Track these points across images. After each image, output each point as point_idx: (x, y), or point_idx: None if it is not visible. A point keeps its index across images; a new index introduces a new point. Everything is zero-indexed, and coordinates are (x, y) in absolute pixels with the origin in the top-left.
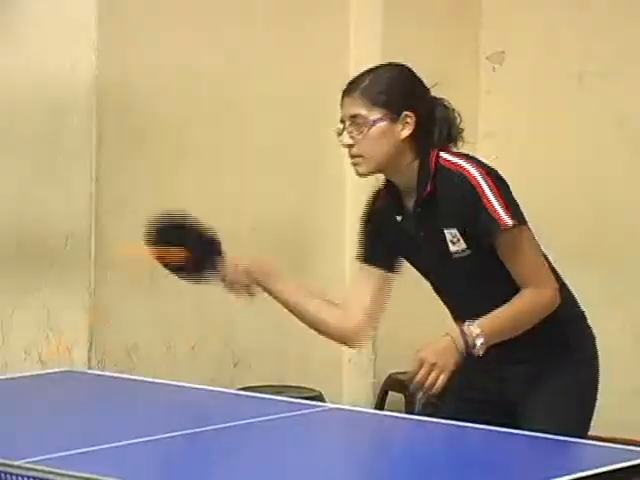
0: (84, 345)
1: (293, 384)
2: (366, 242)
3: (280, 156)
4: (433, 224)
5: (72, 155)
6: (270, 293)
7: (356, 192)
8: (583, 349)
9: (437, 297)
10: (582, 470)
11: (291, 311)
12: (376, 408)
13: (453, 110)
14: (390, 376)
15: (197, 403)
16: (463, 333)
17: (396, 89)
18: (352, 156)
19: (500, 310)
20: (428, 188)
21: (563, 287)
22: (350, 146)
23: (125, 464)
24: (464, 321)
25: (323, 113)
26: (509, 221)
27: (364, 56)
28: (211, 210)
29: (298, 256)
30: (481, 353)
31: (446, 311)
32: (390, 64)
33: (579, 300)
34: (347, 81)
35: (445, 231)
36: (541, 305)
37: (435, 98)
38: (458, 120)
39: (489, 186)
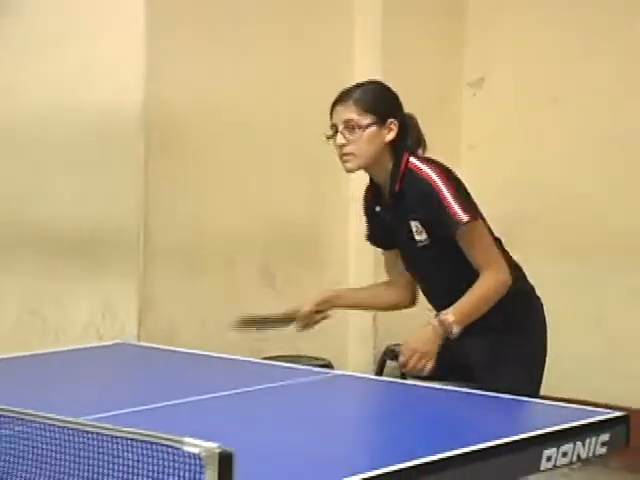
0: (134, 322)
1: (307, 354)
2: (367, 228)
3: (292, 165)
4: (402, 216)
5: (124, 166)
6: (343, 308)
7: (359, 194)
8: (534, 318)
9: None
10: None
11: (362, 309)
12: (376, 374)
13: (418, 123)
14: (388, 347)
15: (227, 370)
16: (441, 322)
17: (383, 100)
18: (343, 154)
19: (465, 298)
20: (397, 186)
21: (515, 266)
22: (343, 146)
23: (170, 421)
24: (435, 305)
25: (328, 127)
26: (464, 217)
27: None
28: (235, 211)
29: (309, 250)
30: (457, 333)
31: None
32: (374, 81)
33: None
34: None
35: (411, 223)
36: (497, 287)
37: (407, 112)
38: (422, 131)
39: (446, 186)
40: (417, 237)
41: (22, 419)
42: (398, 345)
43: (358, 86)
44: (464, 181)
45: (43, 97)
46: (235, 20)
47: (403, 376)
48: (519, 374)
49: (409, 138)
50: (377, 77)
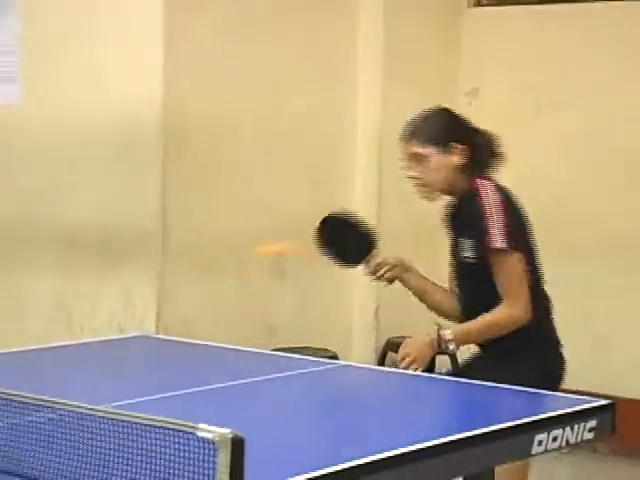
0: (152, 316)
1: (314, 346)
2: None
3: (299, 169)
4: (456, 233)
5: (143, 171)
6: (406, 284)
7: (364, 194)
8: (557, 367)
9: None
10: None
11: (418, 297)
12: (378, 365)
13: (492, 138)
14: (389, 340)
15: (239, 361)
16: (439, 337)
17: (441, 128)
18: (417, 185)
19: (473, 321)
20: (454, 206)
21: (546, 313)
22: (414, 178)
23: (186, 408)
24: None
25: (335, 132)
26: (498, 244)
27: (369, 93)
28: (246, 212)
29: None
30: (455, 351)
31: None
32: (433, 110)
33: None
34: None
35: (462, 240)
36: (506, 321)
37: (477, 129)
38: (497, 145)
39: (497, 211)
40: (464, 254)
41: (49, 407)
42: (398, 338)
43: (416, 120)
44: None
45: (71, 104)
46: (248, 30)
47: None
48: None
49: (481, 157)
50: (378, 89)
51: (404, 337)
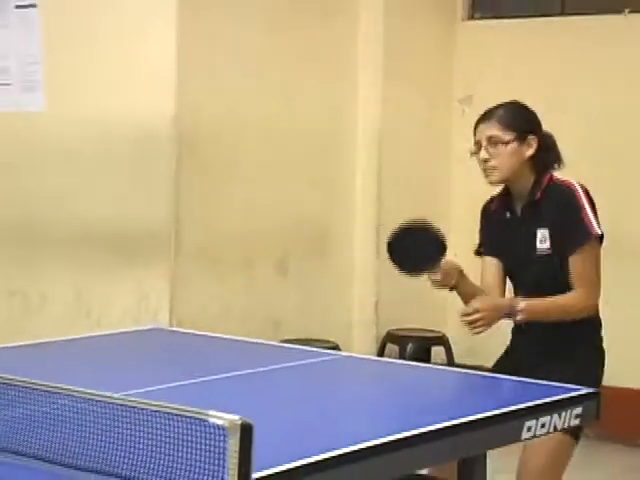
0: (166, 310)
1: (317, 337)
2: (483, 238)
3: (305, 174)
4: (531, 224)
5: (158, 174)
6: (460, 289)
7: (364, 202)
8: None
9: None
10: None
11: (464, 300)
12: (378, 355)
13: (554, 140)
14: (388, 332)
15: (247, 352)
16: (512, 303)
17: (524, 118)
18: (487, 168)
19: (545, 299)
20: (538, 195)
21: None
22: (486, 160)
23: (198, 396)
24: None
25: (336, 135)
26: (598, 230)
27: (368, 103)
28: (254, 213)
29: (318, 246)
30: (519, 321)
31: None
32: (514, 101)
33: None
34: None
35: (538, 231)
36: (576, 309)
37: (546, 131)
38: (558, 150)
39: (587, 200)
40: (539, 245)
41: (68, 395)
42: (397, 330)
43: (500, 106)
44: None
45: (90, 112)
46: (252, 41)
47: (401, 357)
48: None
49: (549, 154)
50: (378, 97)
51: (403, 329)
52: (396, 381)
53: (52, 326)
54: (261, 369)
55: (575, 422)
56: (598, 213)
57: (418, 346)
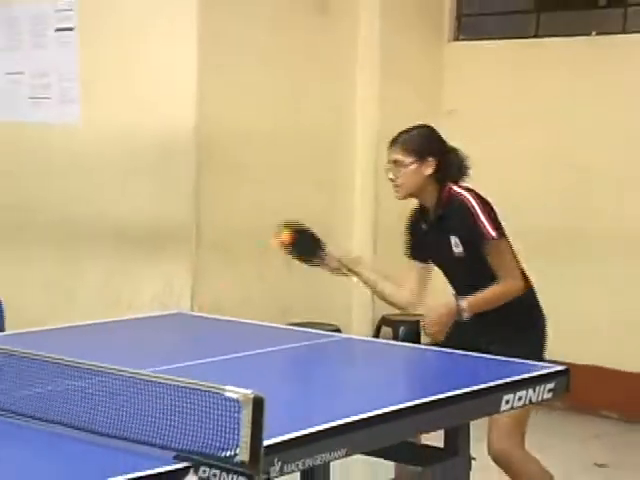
0: (188, 296)
1: (320, 321)
2: (408, 243)
3: (311, 176)
4: (444, 233)
5: (181, 176)
6: (356, 275)
7: (362, 201)
8: (538, 328)
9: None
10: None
11: (368, 286)
12: (373, 337)
13: (462, 156)
14: (383, 316)
15: (260, 334)
16: (457, 306)
17: (422, 143)
18: (394, 186)
19: (482, 293)
20: (441, 210)
21: (527, 281)
22: (392, 180)
23: (216, 373)
24: (458, 296)
25: (339, 147)
26: (493, 233)
27: (366, 112)
28: (265, 211)
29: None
30: (467, 319)
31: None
32: (419, 126)
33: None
34: (354, 127)
35: (451, 238)
36: (509, 291)
37: (451, 147)
38: (466, 162)
39: (480, 209)
40: (455, 249)
41: (100, 371)
42: (391, 315)
43: (405, 131)
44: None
45: (121, 122)
46: (262, 55)
47: (394, 338)
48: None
49: (450, 170)
50: (375, 105)
51: (396, 314)
52: (390, 360)
53: (87, 311)
54: (271, 349)
55: (548, 395)
56: (496, 210)
57: (409, 329)
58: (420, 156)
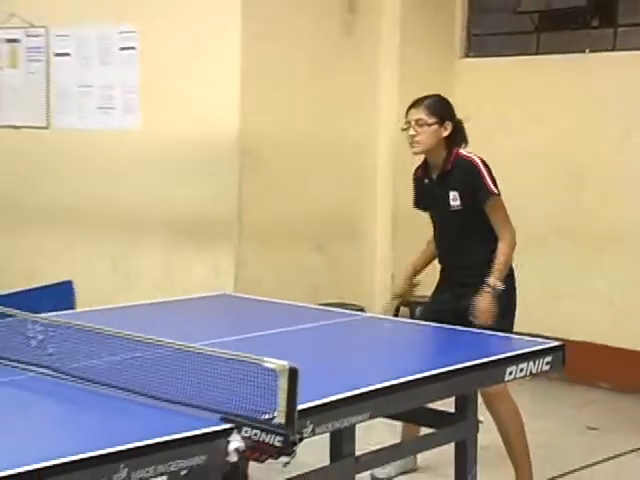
0: (232, 280)
1: (347, 302)
2: (414, 197)
3: (339, 174)
4: (444, 187)
5: (226, 176)
6: (420, 272)
7: (383, 194)
8: (512, 280)
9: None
10: (502, 352)
11: (429, 264)
12: (393, 316)
13: (464, 127)
14: (396, 296)
15: (294, 313)
16: (493, 287)
17: (444, 108)
18: (413, 142)
19: (497, 260)
20: (449, 166)
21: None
22: (413, 136)
23: (255, 346)
24: (441, 256)
25: (363, 149)
26: (495, 190)
27: (386, 119)
28: (299, 205)
29: (349, 230)
30: (500, 286)
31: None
32: (438, 95)
33: None
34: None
35: (450, 192)
36: (512, 245)
37: (459, 118)
38: (465, 132)
39: (484, 169)
40: (452, 203)
41: (157, 344)
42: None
43: (427, 97)
44: None
45: (174, 128)
46: (298, 72)
47: (411, 317)
48: (504, 319)
49: (459, 136)
50: (394, 112)
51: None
52: (407, 336)
53: (146, 292)
54: (303, 326)
55: (546, 368)
56: (495, 178)
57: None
58: (441, 119)
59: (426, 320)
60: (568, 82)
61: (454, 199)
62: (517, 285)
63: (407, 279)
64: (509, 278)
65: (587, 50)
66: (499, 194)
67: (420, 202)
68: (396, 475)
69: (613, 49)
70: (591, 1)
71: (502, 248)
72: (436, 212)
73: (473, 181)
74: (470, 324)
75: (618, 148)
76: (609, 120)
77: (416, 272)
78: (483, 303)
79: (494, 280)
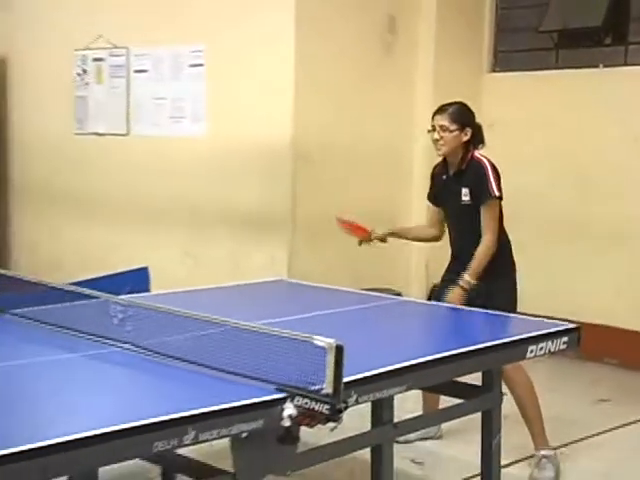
0: (285, 267)
1: (386, 287)
2: (429, 191)
3: (379, 174)
4: (458, 184)
5: (281, 177)
6: (394, 236)
7: (418, 191)
8: (513, 273)
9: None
10: (524, 333)
11: (405, 238)
12: (427, 300)
13: (482, 130)
14: (434, 284)
15: (339, 296)
16: (465, 282)
17: (464, 115)
18: (438, 145)
19: (474, 261)
20: (464, 165)
21: (507, 241)
22: (437, 140)
23: (306, 325)
24: (453, 242)
25: (400, 153)
26: (495, 193)
27: (421, 127)
28: (344, 201)
29: (388, 221)
30: (472, 285)
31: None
32: (460, 102)
33: None
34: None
35: (462, 189)
36: (490, 249)
37: (478, 123)
38: (483, 136)
39: (492, 173)
40: (464, 198)
41: (223, 323)
42: (440, 283)
43: (450, 104)
44: None
45: (235, 134)
46: (342, 86)
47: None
48: (509, 303)
49: (476, 139)
50: (428, 120)
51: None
52: (439, 318)
53: (212, 278)
54: (348, 308)
55: (563, 347)
56: (501, 182)
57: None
58: (462, 125)
59: (437, 299)
60: (583, 93)
61: (465, 195)
62: (530, 279)
63: (388, 232)
64: (512, 275)
65: (601, 65)
66: (499, 197)
67: (435, 196)
68: (415, 440)
69: (624, 64)
70: (605, 22)
71: (480, 249)
72: (449, 206)
73: (479, 180)
74: (475, 305)
75: (626, 152)
76: (618, 127)
77: (395, 234)
78: (452, 297)
79: (466, 276)
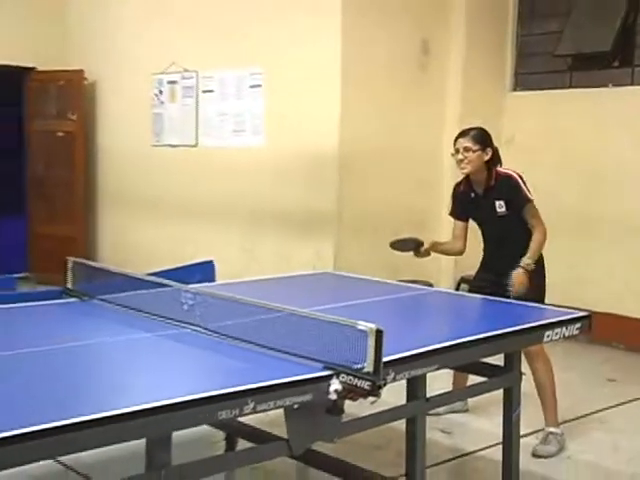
0: (331, 261)
1: (419, 279)
2: (453, 207)
3: (412, 179)
4: (490, 198)
5: (328, 181)
6: (434, 251)
7: (448, 194)
8: (543, 263)
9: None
10: (542, 319)
11: (440, 252)
12: (455, 290)
13: (499, 151)
14: (462, 277)
15: (378, 287)
16: (527, 265)
17: (485, 138)
18: (462, 165)
19: (531, 247)
20: (492, 182)
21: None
22: (461, 160)
23: (349, 312)
24: (489, 250)
25: (432, 160)
26: (530, 197)
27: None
28: (383, 203)
29: (420, 223)
30: (533, 267)
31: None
32: (480, 127)
33: None
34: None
35: (496, 202)
36: (544, 236)
37: (495, 145)
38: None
39: (521, 182)
40: (499, 210)
41: (277, 310)
42: (467, 275)
43: (472, 129)
44: None
45: (289, 144)
46: (381, 99)
47: (470, 292)
48: (538, 292)
49: (496, 159)
50: (456, 130)
51: (471, 275)
52: (466, 307)
53: (266, 270)
54: (386, 297)
55: (576, 332)
56: (529, 188)
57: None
58: (484, 146)
59: (471, 293)
60: (594, 110)
61: (500, 207)
62: (547, 270)
63: (430, 246)
64: (541, 265)
65: (610, 85)
66: (533, 200)
67: (461, 212)
68: (445, 413)
69: (631, 84)
70: (613, 47)
71: (536, 236)
72: (483, 219)
73: (514, 191)
74: (507, 297)
75: (633, 158)
76: (626, 138)
77: (433, 249)
78: (518, 276)
79: (527, 259)
